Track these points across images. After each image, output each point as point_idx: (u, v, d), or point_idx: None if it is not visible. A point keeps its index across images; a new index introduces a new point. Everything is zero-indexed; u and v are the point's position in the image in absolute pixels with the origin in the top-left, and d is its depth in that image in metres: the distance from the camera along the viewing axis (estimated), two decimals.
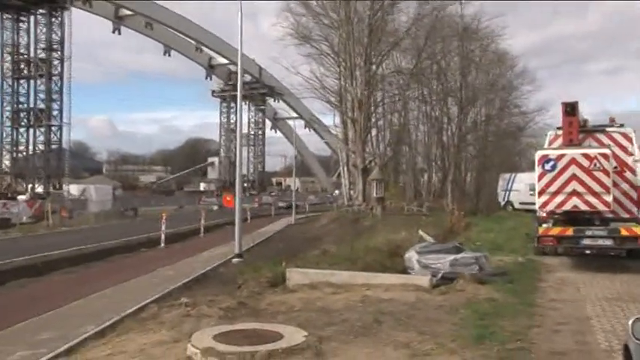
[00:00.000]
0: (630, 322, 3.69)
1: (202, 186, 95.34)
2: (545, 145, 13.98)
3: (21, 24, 54.47)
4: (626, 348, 4.37)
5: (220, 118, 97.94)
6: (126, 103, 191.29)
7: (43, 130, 53.40)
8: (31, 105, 54.12)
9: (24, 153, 54.70)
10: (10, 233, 28.61)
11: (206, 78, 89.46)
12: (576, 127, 13.07)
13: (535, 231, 13.48)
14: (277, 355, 6.43)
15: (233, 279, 12.95)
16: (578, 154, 12.38)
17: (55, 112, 53.70)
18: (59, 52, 53.36)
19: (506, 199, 38.24)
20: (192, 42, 79.89)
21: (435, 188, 42.49)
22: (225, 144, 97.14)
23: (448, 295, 9.96)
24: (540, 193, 12.72)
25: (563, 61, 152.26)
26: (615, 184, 12.59)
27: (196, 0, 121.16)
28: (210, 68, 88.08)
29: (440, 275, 11.02)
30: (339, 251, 15.48)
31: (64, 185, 53.10)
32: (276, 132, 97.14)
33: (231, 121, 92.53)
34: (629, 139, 13.36)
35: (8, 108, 54.46)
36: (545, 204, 12.76)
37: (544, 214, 13.41)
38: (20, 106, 54.36)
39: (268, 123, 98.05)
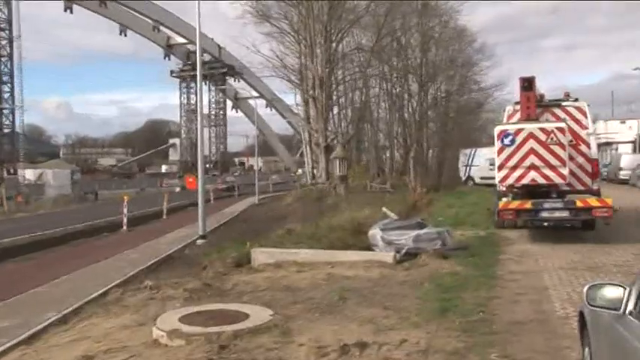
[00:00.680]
0: (585, 290, 3.83)
1: (164, 168, 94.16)
2: (504, 120, 14.21)
3: None
4: (580, 314, 4.55)
5: (180, 99, 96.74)
6: (81, 85, 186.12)
7: None
8: None
9: None
10: None
11: (164, 58, 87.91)
12: (533, 102, 13.30)
13: (495, 205, 13.76)
14: (243, 334, 6.45)
15: (198, 260, 12.88)
16: (536, 129, 12.62)
17: (5, 95, 51.96)
18: (7, 32, 51.41)
19: (467, 175, 38.90)
20: (149, 21, 78.03)
21: (398, 165, 42.84)
22: (186, 125, 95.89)
23: (412, 271, 10.13)
24: (500, 168, 12.95)
25: (520, 38, 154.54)
26: (571, 158, 12.90)
27: None
28: (169, 48, 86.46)
29: (403, 251, 11.19)
30: (304, 230, 15.52)
31: (18, 170, 51.65)
32: (237, 112, 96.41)
33: (192, 101, 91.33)
34: (584, 113, 13.69)
35: None
36: (504, 178, 13.01)
37: (504, 189, 13.70)
38: None
39: (229, 103, 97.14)
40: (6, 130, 52.51)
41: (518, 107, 13.69)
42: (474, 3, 74.33)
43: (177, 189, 53.16)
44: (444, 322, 6.81)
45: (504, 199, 13.37)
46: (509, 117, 14.00)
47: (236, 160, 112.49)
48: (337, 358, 5.60)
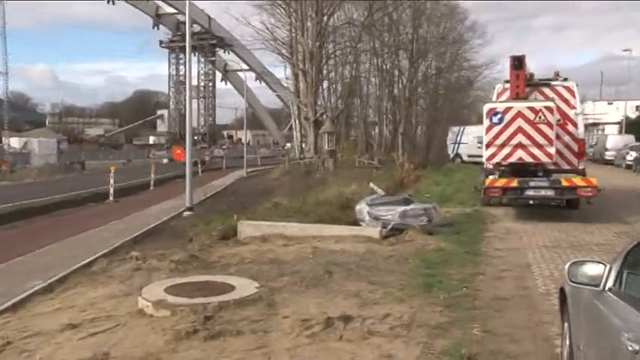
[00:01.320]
0: (567, 266, 3.88)
1: (152, 139, 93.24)
2: (494, 99, 14.22)
3: None
4: (561, 290, 4.63)
5: (169, 70, 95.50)
6: (68, 54, 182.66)
7: None
8: None
9: None
10: None
11: (153, 28, 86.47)
12: (523, 80, 13.30)
13: (482, 183, 13.84)
14: (229, 306, 6.49)
15: (184, 232, 12.89)
16: (524, 107, 12.66)
17: None
18: None
19: (455, 152, 39.04)
20: None
21: (387, 141, 42.89)
22: (175, 96, 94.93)
23: (398, 246, 10.21)
24: (488, 146, 13.00)
25: (512, 17, 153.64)
26: (558, 137, 12.97)
27: None
28: (158, 17, 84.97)
29: (390, 226, 11.27)
30: (291, 204, 15.56)
31: (3, 138, 51.05)
32: (226, 84, 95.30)
33: (181, 72, 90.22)
34: (572, 93, 13.72)
35: None
36: (492, 156, 13.08)
37: (491, 166, 13.79)
38: None
39: (219, 75, 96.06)
40: None
41: (507, 86, 13.69)
42: None
43: (165, 160, 52.85)
44: (428, 297, 6.89)
45: (491, 177, 13.45)
46: (499, 95, 14.01)
47: (224, 132, 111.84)
48: (321, 331, 5.65)
